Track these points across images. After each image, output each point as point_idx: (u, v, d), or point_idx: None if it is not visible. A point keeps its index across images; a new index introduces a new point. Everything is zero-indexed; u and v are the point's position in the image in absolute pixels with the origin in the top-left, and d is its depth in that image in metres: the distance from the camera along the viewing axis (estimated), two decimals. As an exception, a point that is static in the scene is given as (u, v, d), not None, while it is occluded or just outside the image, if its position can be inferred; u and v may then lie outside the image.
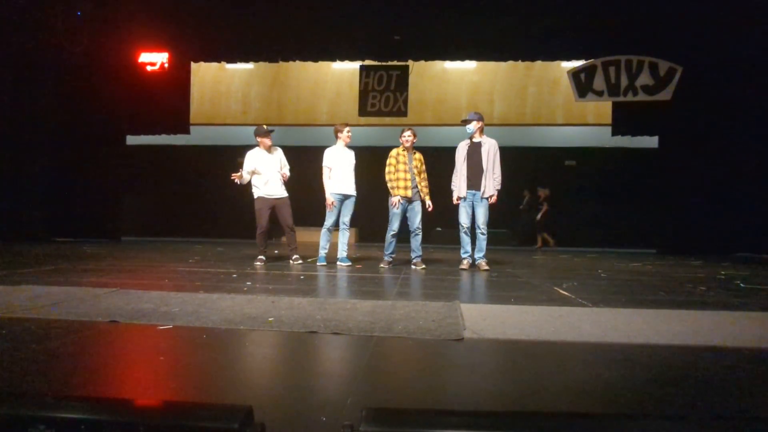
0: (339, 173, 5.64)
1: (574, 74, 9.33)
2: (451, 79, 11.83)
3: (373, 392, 1.67)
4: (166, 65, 9.96)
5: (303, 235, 6.16)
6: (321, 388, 1.72)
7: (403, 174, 5.49)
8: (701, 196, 9.14)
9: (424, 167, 5.68)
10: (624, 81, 9.05)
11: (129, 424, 1.02)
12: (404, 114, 10.47)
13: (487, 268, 5.43)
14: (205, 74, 11.83)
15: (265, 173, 5.75)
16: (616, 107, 9.72)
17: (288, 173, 5.87)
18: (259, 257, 5.79)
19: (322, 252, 5.74)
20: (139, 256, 6.51)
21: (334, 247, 5.93)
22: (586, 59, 9.32)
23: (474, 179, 5.48)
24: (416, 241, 5.65)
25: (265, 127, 5.90)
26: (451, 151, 5.77)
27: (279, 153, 5.91)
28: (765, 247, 8.63)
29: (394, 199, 5.50)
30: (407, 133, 5.55)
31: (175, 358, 2.07)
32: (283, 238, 6.12)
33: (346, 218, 5.71)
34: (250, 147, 5.98)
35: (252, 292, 3.55)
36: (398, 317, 2.70)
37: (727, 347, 2.22)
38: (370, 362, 1.97)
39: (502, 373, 2.00)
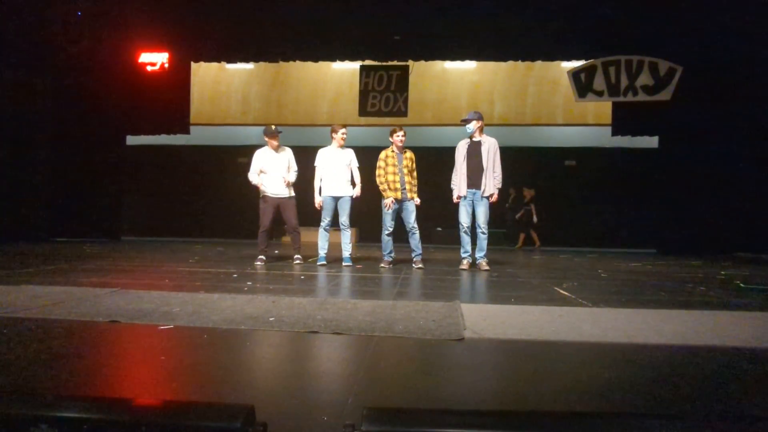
0: (330, 174, 5.63)
1: (574, 74, 9.33)
2: (451, 79, 11.83)
3: (374, 392, 1.67)
4: (166, 65, 9.95)
5: (304, 235, 6.16)
6: (322, 387, 1.72)
7: (392, 176, 5.50)
8: (701, 196, 9.14)
9: (414, 165, 5.65)
10: (624, 81, 9.05)
11: (131, 423, 1.02)
12: (404, 114, 10.47)
13: (487, 268, 5.43)
14: (205, 74, 11.82)
15: (271, 173, 5.76)
16: (616, 107, 9.72)
17: (292, 178, 5.84)
18: (260, 257, 5.79)
19: (322, 252, 5.74)
20: (139, 256, 6.51)
21: (335, 247, 5.93)
22: (586, 59, 9.32)
23: (474, 178, 5.48)
24: (414, 240, 5.64)
25: (273, 127, 5.90)
26: (451, 151, 5.77)
27: (287, 154, 5.90)
28: (765, 247, 8.63)
29: (386, 201, 5.51)
30: (400, 133, 5.54)
31: (176, 358, 2.07)
32: (284, 238, 6.12)
33: (343, 218, 5.70)
34: (250, 147, 5.99)
35: (252, 292, 3.55)
36: (399, 317, 2.70)
37: (727, 347, 2.23)
38: (371, 362, 1.97)
39: (502, 372, 2.00)
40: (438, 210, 10.03)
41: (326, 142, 5.90)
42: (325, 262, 5.62)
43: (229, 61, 10.89)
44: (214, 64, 11.39)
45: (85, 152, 10.14)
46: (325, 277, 4.73)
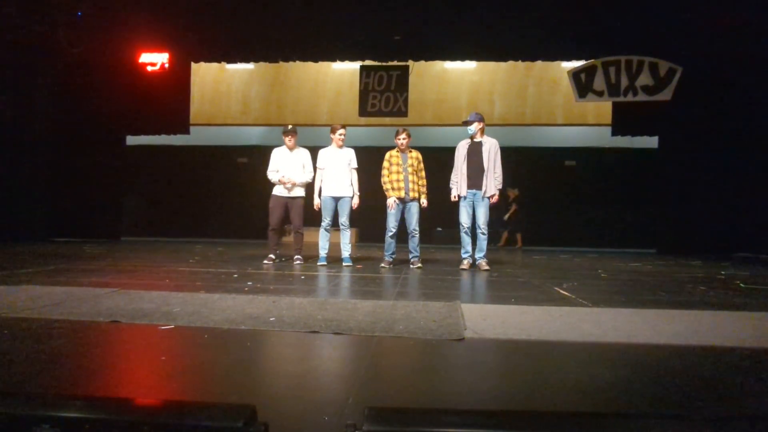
0: (330, 175, 5.64)
1: (574, 74, 9.34)
2: (451, 79, 11.83)
3: (375, 392, 1.67)
4: (166, 65, 9.95)
5: (305, 236, 6.16)
6: (323, 387, 1.73)
7: (396, 176, 5.52)
8: (701, 196, 9.15)
9: (422, 166, 5.65)
10: (624, 81, 9.05)
11: (132, 423, 1.02)
12: (404, 114, 10.47)
13: (487, 268, 5.43)
14: (205, 74, 11.83)
15: (282, 171, 5.78)
16: (616, 107, 9.72)
17: (302, 179, 5.84)
18: (269, 255, 5.80)
19: (322, 252, 5.74)
20: (139, 256, 6.51)
21: (335, 247, 5.93)
22: (586, 59, 9.32)
23: (475, 179, 5.49)
24: (413, 242, 5.67)
25: (289, 126, 5.93)
26: (451, 151, 5.78)
27: (302, 154, 5.91)
28: (765, 247, 8.64)
29: (389, 201, 5.54)
30: (402, 135, 5.56)
31: (177, 357, 2.07)
32: (284, 238, 6.13)
33: (343, 218, 5.70)
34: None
35: (253, 293, 3.55)
36: (399, 317, 2.70)
37: (727, 347, 2.23)
38: (372, 362, 1.98)
39: (502, 372, 2.00)
40: (438, 210, 10.04)
41: (326, 142, 5.91)
42: (325, 263, 5.62)
43: (229, 61, 10.89)
44: (214, 64, 11.40)
45: (85, 152, 10.14)
46: (326, 278, 4.73)
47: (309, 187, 5.96)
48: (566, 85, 9.79)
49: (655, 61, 8.91)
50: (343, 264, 5.62)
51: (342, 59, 10.28)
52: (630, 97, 9.10)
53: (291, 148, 5.87)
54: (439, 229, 11.00)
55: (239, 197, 11.48)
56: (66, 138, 10.02)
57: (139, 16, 9.36)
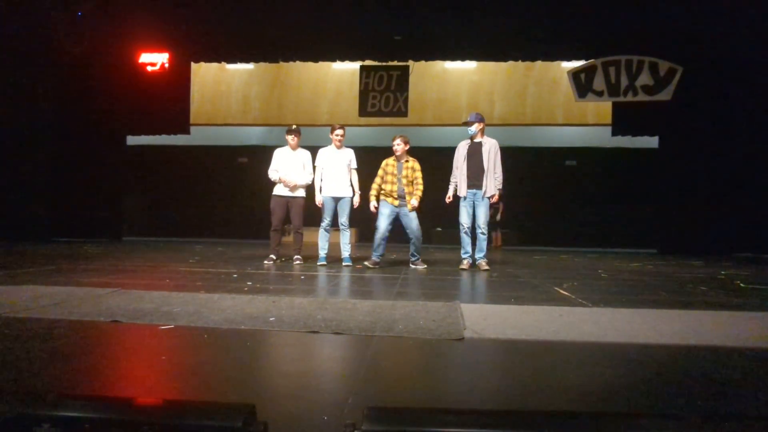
0: (330, 175, 5.64)
1: (574, 74, 9.34)
2: (451, 79, 11.84)
3: (374, 391, 1.67)
4: (166, 65, 9.97)
5: (304, 236, 6.16)
6: (322, 387, 1.73)
7: (390, 186, 5.53)
8: (701, 196, 9.15)
9: (417, 174, 5.58)
10: (624, 81, 9.05)
11: (132, 422, 1.03)
12: (404, 114, 10.48)
13: (487, 268, 5.43)
14: (205, 74, 11.83)
15: (283, 171, 5.78)
16: (616, 107, 9.72)
17: (302, 180, 5.83)
18: (270, 256, 5.81)
19: (322, 252, 5.74)
20: (139, 256, 6.52)
21: (335, 247, 5.94)
22: (586, 59, 9.33)
23: (475, 179, 5.49)
24: (413, 246, 5.66)
25: (293, 126, 5.97)
26: (451, 151, 5.78)
27: (303, 155, 5.92)
28: (765, 247, 8.64)
29: (371, 206, 5.64)
30: (396, 141, 5.54)
31: (177, 357, 2.07)
32: (284, 238, 6.13)
33: (342, 218, 5.71)
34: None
35: (253, 292, 3.56)
36: (399, 317, 2.71)
37: (727, 347, 2.23)
38: (371, 362, 1.98)
39: (502, 372, 2.00)
40: (438, 210, 10.03)
41: (326, 142, 5.91)
42: (325, 263, 5.62)
43: (229, 61, 10.91)
44: (214, 64, 11.40)
45: (85, 152, 10.15)
46: (325, 277, 4.73)
47: (309, 187, 5.97)
48: (566, 85, 9.79)
49: (655, 61, 8.92)
50: (343, 264, 5.62)
51: (342, 59, 10.29)
52: (630, 97, 9.10)
53: (293, 148, 5.88)
54: (439, 229, 11.00)
55: (239, 197, 11.49)
56: (66, 138, 10.03)
57: (139, 16, 9.38)
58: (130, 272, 4.74)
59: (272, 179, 5.84)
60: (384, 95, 10.50)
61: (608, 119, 10.10)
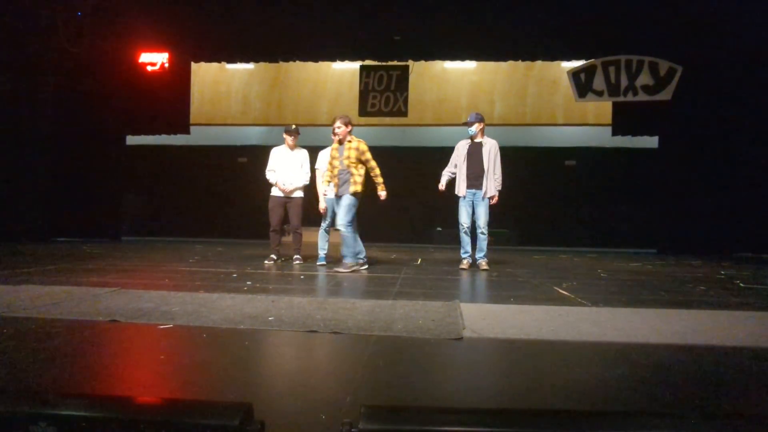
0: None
1: (574, 74, 9.33)
2: (451, 79, 11.83)
3: (373, 390, 1.67)
4: (166, 65, 9.96)
5: (304, 235, 6.16)
6: (321, 386, 1.72)
7: (334, 170, 5.14)
8: (701, 196, 9.14)
9: (366, 156, 5.03)
10: (624, 81, 9.04)
11: (130, 421, 1.02)
12: (404, 114, 10.47)
13: (486, 267, 5.43)
14: (205, 74, 11.82)
15: (281, 172, 5.78)
16: (616, 107, 9.71)
17: (300, 182, 5.82)
18: (270, 256, 5.80)
19: (322, 252, 5.73)
20: (139, 256, 6.52)
21: (335, 247, 5.93)
22: (586, 59, 9.32)
23: (474, 179, 5.49)
24: (342, 242, 5.08)
25: (293, 126, 5.94)
26: (451, 151, 5.77)
27: (301, 155, 5.91)
28: (765, 247, 8.63)
29: (320, 191, 5.49)
30: (336, 123, 5.05)
31: (176, 356, 2.07)
32: (283, 238, 6.11)
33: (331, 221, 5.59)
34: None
35: (252, 292, 3.56)
36: (398, 316, 2.70)
37: (727, 347, 2.23)
38: (370, 361, 1.97)
39: (501, 371, 2.00)
40: (438, 210, 10.01)
41: (326, 142, 5.90)
42: (324, 262, 5.61)
43: (229, 61, 10.90)
44: (214, 64, 11.40)
45: (85, 152, 10.14)
46: (325, 277, 4.73)
47: (307, 187, 5.97)
48: (566, 85, 9.78)
49: (655, 61, 8.91)
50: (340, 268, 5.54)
51: (342, 59, 10.28)
52: (630, 97, 9.09)
53: (291, 148, 5.88)
54: (439, 228, 11.00)
55: (239, 197, 11.47)
56: (66, 138, 10.01)
57: (139, 16, 9.37)
58: (129, 272, 4.74)
59: (269, 180, 5.82)
60: (384, 95, 10.50)
61: (608, 119, 10.09)
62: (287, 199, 5.81)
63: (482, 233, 5.50)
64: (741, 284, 4.62)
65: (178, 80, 10.12)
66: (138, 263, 5.60)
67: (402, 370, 1.99)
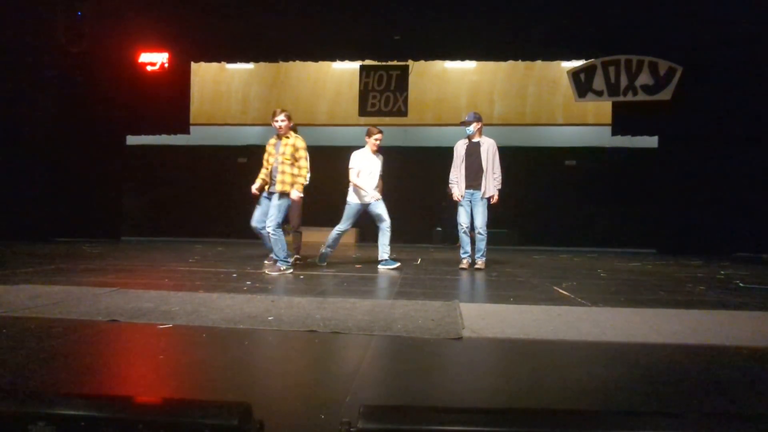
0: (362, 180, 5.42)
1: (574, 74, 9.34)
2: (451, 79, 11.83)
3: (372, 390, 1.67)
4: (166, 65, 9.97)
5: (304, 235, 6.15)
6: (320, 386, 1.72)
7: (270, 165, 4.87)
8: (701, 196, 9.15)
9: (300, 154, 4.82)
10: (624, 81, 9.05)
11: (128, 421, 1.02)
12: (404, 114, 10.48)
13: (481, 267, 5.40)
14: (205, 74, 11.83)
15: None
16: (616, 107, 9.72)
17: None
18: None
19: (327, 250, 5.59)
20: (138, 256, 6.52)
21: (342, 248, 5.91)
22: (586, 59, 9.33)
23: (473, 179, 5.45)
24: (267, 242, 4.83)
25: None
26: (451, 150, 5.77)
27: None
28: (765, 247, 8.63)
29: (253, 188, 4.95)
30: (280, 117, 4.76)
31: (175, 356, 2.07)
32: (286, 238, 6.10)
33: (380, 221, 5.44)
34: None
35: (252, 292, 3.55)
36: (398, 316, 2.70)
37: (727, 347, 2.23)
38: (369, 361, 1.97)
39: (500, 371, 2.00)
40: (437, 209, 10.00)
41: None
42: (324, 263, 5.58)
43: (229, 61, 10.91)
44: (214, 64, 11.40)
45: (85, 152, 10.15)
46: (325, 277, 4.72)
47: (306, 186, 5.95)
48: (566, 85, 9.79)
49: (655, 61, 8.91)
50: (385, 268, 5.31)
51: (342, 59, 10.29)
52: (630, 97, 9.10)
53: None
54: (439, 228, 10.99)
55: (239, 197, 11.45)
56: (66, 138, 10.03)
57: (139, 16, 9.38)
58: (129, 272, 4.74)
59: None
60: (384, 95, 10.50)
61: (608, 119, 10.09)
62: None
63: (479, 233, 5.46)
64: (741, 284, 4.62)
65: (178, 80, 10.13)
66: (137, 263, 5.60)
67: (402, 370, 1.99)
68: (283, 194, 4.74)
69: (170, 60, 9.97)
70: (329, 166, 7.71)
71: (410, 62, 10.34)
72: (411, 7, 8.85)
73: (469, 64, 11.39)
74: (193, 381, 1.76)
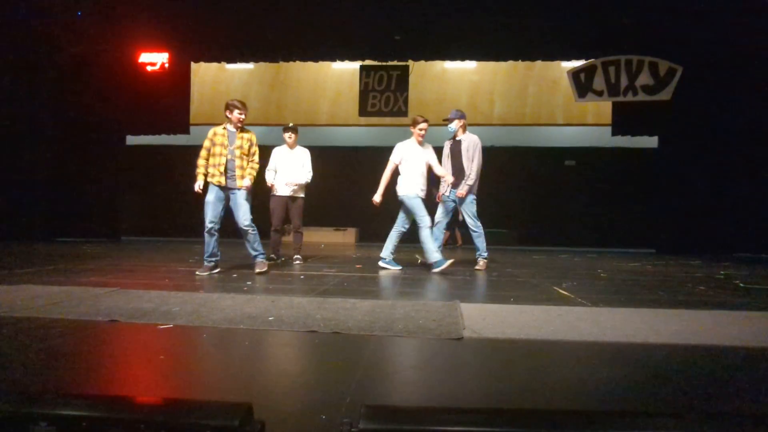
0: (409, 172, 5.12)
1: (574, 74, 9.34)
2: (451, 79, 11.84)
3: (373, 391, 1.67)
4: (166, 65, 9.97)
5: (305, 235, 6.15)
6: (320, 386, 1.72)
7: (219, 158, 4.55)
8: (700, 196, 9.15)
9: (255, 150, 4.71)
10: (624, 81, 9.05)
11: (129, 421, 1.02)
12: (404, 114, 10.48)
13: (480, 267, 5.37)
14: (205, 74, 11.83)
15: (282, 171, 5.78)
16: (616, 107, 9.73)
17: (302, 179, 5.81)
18: (271, 255, 5.81)
19: (389, 255, 5.25)
20: (139, 256, 6.52)
21: (339, 247, 5.92)
22: (586, 59, 9.33)
23: (455, 179, 5.34)
24: (248, 241, 4.72)
25: (290, 125, 5.97)
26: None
27: (302, 154, 5.90)
28: (765, 247, 8.64)
29: (195, 186, 4.61)
30: (238, 110, 4.57)
31: (176, 357, 2.07)
32: (283, 238, 6.12)
33: (423, 219, 5.07)
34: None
35: (252, 292, 3.56)
36: (398, 316, 2.70)
37: (726, 347, 2.23)
38: (370, 361, 1.98)
39: (500, 371, 2.00)
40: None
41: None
42: (394, 267, 5.23)
43: (229, 61, 10.91)
44: (214, 64, 11.41)
45: (85, 152, 10.15)
46: (325, 277, 4.73)
47: (308, 186, 5.97)
48: (566, 85, 9.79)
49: (655, 61, 8.91)
50: (438, 269, 5.00)
51: (342, 59, 10.28)
52: (630, 97, 9.10)
53: (291, 146, 5.89)
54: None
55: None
56: (66, 138, 10.03)
57: (139, 16, 9.38)
58: (129, 272, 4.74)
59: (267, 180, 5.81)
60: (384, 95, 10.50)
61: (608, 119, 10.10)
62: (289, 198, 5.82)
63: (473, 231, 5.37)
64: (741, 284, 4.62)
65: (178, 80, 10.14)
66: (137, 263, 5.60)
67: (402, 370, 1.99)
68: (247, 188, 4.65)
69: (170, 60, 9.98)
70: (330, 166, 7.71)
71: (410, 62, 10.34)
72: (411, 7, 8.85)
73: (469, 64, 11.39)
74: (193, 381, 1.76)
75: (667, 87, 8.88)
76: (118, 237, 10.43)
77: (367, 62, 10.37)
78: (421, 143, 5.23)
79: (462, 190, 5.27)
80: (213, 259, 4.70)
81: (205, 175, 4.59)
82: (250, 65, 11.80)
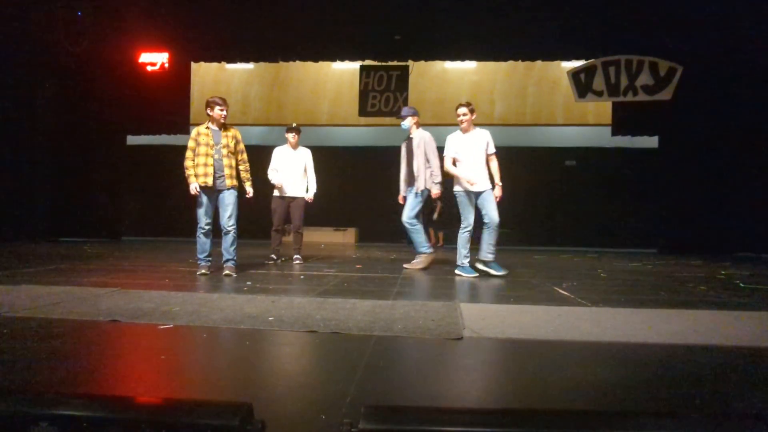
0: (467, 164, 4.77)
1: (574, 74, 9.34)
2: (451, 79, 11.83)
3: (373, 391, 1.67)
4: (166, 65, 9.97)
5: (305, 235, 6.15)
6: (321, 386, 1.73)
7: (204, 158, 4.43)
8: (701, 196, 9.15)
9: (242, 146, 4.72)
10: (624, 81, 9.05)
11: (130, 421, 1.03)
12: (404, 114, 10.48)
13: (409, 267, 5.30)
14: (205, 74, 11.83)
15: (283, 171, 5.78)
16: (616, 107, 9.72)
17: (309, 195, 5.84)
18: (271, 255, 5.81)
19: (465, 261, 4.80)
20: (139, 256, 6.52)
21: (338, 247, 5.92)
22: (586, 59, 9.32)
23: (409, 177, 5.25)
24: (226, 241, 4.59)
25: (293, 125, 5.98)
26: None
27: (304, 154, 5.90)
28: (765, 247, 8.63)
29: (191, 188, 4.43)
30: (219, 106, 4.49)
31: (176, 356, 2.08)
32: (284, 238, 6.11)
33: (493, 213, 4.71)
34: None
35: (252, 292, 3.56)
36: (398, 316, 2.70)
37: (727, 347, 2.23)
38: (370, 361, 1.98)
39: (500, 371, 2.00)
40: (433, 209, 9.96)
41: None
42: (474, 273, 4.79)
43: (229, 61, 10.90)
44: (214, 64, 11.40)
45: (85, 152, 10.16)
46: (325, 277, 4.73)
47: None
48: (566, 85, 9.79)
49: (655, 61, 8.91)
50: (494, 272, 4.78)
51: (342, 59, 10.28)
52: (630, 97, 9.10)
53: (293, 147, 5.88)
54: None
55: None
56: (67, 138, 10.03)
57: (139, 16, 9.38)
58: (130, 272, 4.74)
59: (271, 180, 5.82)
60: (384, 95, 10.50)
61: (608, 119, 10.09)
62: (290, 198, 5.82)
63: (408, 225, 5.16)
64: (741, 284, 4.62)
65: (178, 80, 10.14)
66: (138, 263, 5.60)
67: (402, 370, 1.99)
68: (235, 188, 4.58)
69: (170, 60, 9.98)
70: (329, 166, 7.71)
71: (410, 62, 10.34)
72: (411, 7, 8.85)
73: (469, 64, 11.39)
74: (194, 381, 1.76)
75: (668, 87, 8.87)
76: (119, 237, 10.43)
77: (367, 62, 10.37)
78: (466, 131, 4.84)
79: (435, 190, 5.12)
80: (210, 258, 4.67)
81: (197, 176, 4.48)
82: (250, 65, 11.79)
